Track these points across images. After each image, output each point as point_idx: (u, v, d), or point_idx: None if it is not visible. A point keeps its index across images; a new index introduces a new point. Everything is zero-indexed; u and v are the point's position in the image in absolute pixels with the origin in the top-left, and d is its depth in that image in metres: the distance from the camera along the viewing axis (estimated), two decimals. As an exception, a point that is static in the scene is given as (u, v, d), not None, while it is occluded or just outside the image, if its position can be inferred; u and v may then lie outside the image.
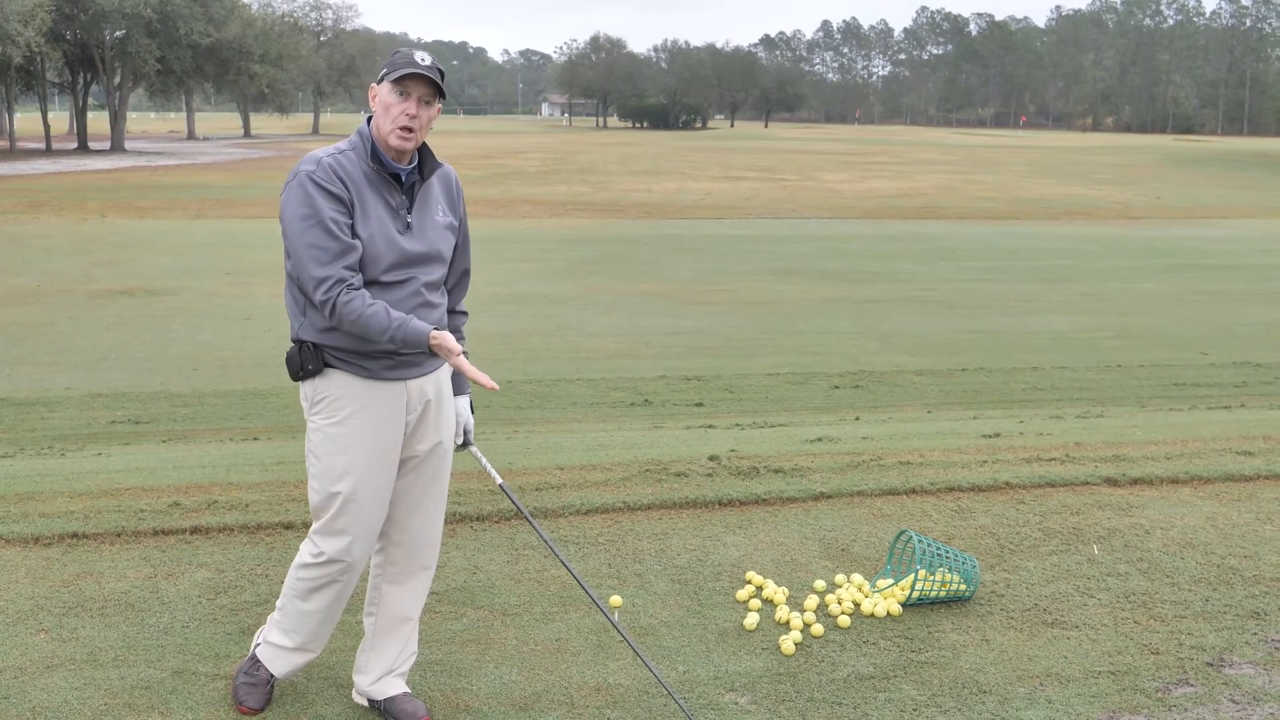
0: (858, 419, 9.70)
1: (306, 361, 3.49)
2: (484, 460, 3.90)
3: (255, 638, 3.91)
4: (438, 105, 3.54)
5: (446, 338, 3.37)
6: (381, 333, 3.34)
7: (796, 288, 20.63)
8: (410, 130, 3.45)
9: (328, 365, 3.51)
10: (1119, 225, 35.66)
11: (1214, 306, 19.03)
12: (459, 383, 3.90)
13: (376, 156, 3.48)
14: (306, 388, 3.56)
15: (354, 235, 3.42)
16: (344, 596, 3.73)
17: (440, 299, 3.69)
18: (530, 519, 3.95)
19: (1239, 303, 19.51)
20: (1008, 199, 43.80)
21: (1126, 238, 31.20)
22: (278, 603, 3.80)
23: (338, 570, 3.63)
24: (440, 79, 3.50)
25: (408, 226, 3.52)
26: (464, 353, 3.50)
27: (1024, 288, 21.07)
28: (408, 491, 3.73)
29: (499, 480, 3.87)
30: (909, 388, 12.40)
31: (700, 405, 11.28)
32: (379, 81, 3.50)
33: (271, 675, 3.79)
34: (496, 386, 3.36)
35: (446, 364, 3.73)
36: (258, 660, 3.82)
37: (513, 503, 3.94)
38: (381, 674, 3.77)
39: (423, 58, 3.47)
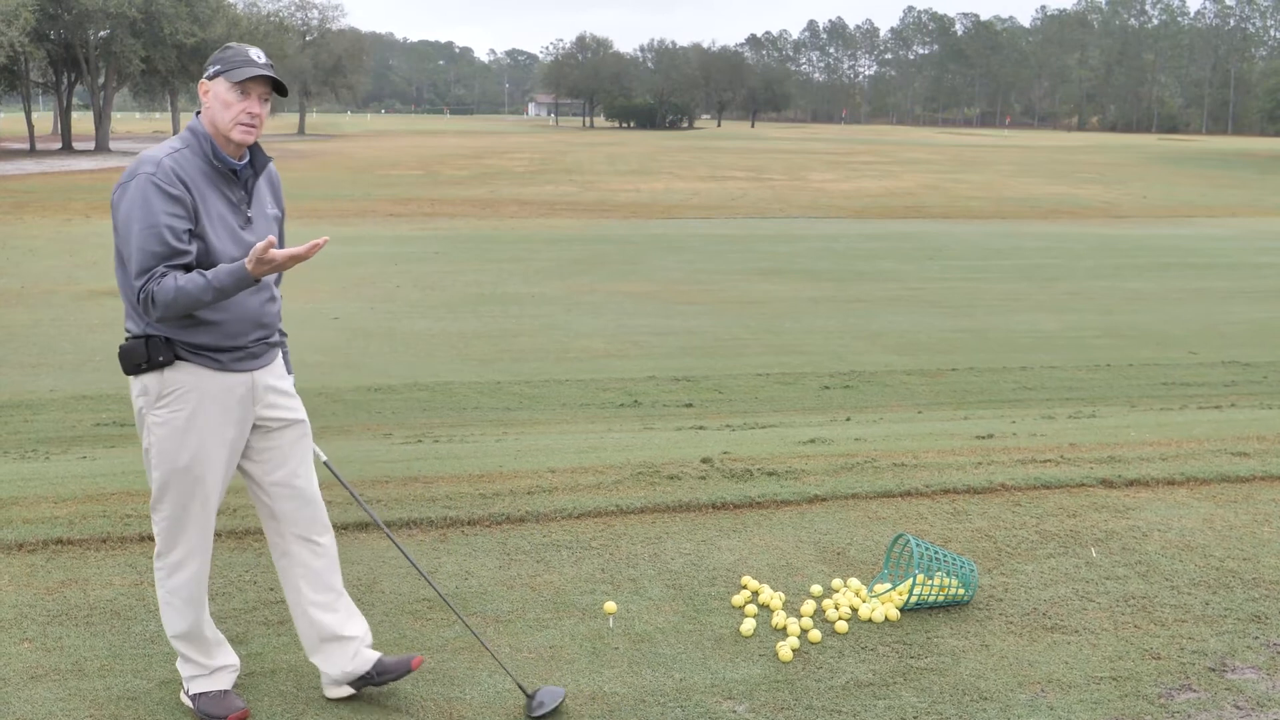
0: (849, 420, 9.65)
1: (156, 354, 3.47)
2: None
3: (185, 698, 3.80)
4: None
5: (258, 250, 3.32)
6: (205, 291, 3.35)
7: (784, 287, 20.60)
8: (253, 126, 3.52)
9: (179, 358, 3.50)
10: (1105, 224, 35.74)
11: (1201, 305, 19.06)
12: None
13: (216, 153, 3.51)
14: (150, 380, 3.52)
15: (194, 238, 3.45)
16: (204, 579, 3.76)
17: (278, 291, 3.77)
18: (357, 496, 4.08)
19: (1225, 301, 19.53)
20: (994, 198, 43.88)
21: (1113, 236, 31.26)
22: (172, 645, 3.78)
23: (188, 550, 3.67)
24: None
25: (248, 221, 3.57)
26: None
27: (1011, 287, 21.08)
28: (274, 455, 3.75)
29: (324, 458, 3.95)
30: (899, 388, 12.36)
31: (690, 406, 11.23)
32: (210, 78, 3.51)
33: (217, 691, 3.74)
34: (327, 238, 3.42)
35: (277, 355, 3.81)
36: (195, 701, 3.74)
37: (341, 482, 4.02)
38: (356, 650, 3.79)
39: (258, 55, 3.52)
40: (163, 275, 3.36)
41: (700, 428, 9.09)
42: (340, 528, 5.34)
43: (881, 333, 16.01)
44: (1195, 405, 10.36)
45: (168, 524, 3.66)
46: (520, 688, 3.81)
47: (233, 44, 3.59)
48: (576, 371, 13.10)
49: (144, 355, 3.49)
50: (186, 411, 3.53)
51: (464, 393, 11.80)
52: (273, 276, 3.66)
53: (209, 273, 3.37)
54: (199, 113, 3.60)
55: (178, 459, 3.55)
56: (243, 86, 3.48)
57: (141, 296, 3.37)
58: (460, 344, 14.77)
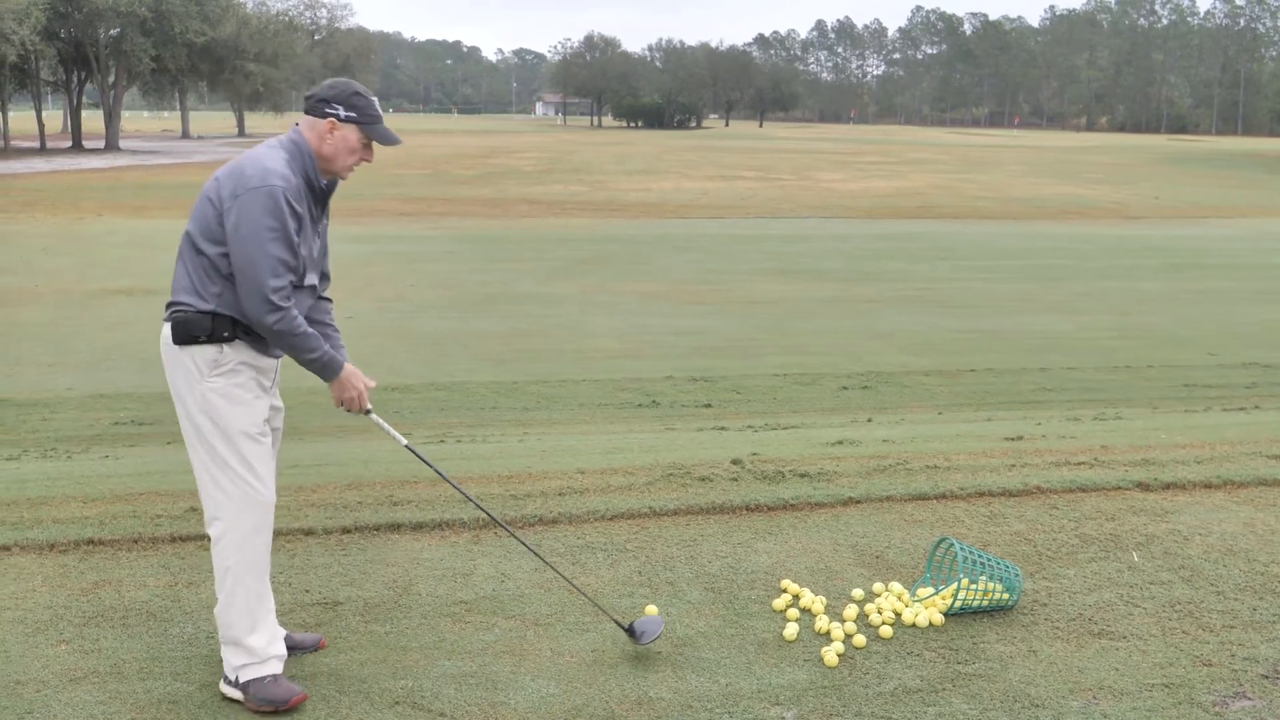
0: (870, 420, 9.60)
1: (221, 329, 3.69)
2: (385, 425, 4.13)
3: (229, 689, 3.82)
4: None
5: (364, 389, 3.95)
6: (310, 351, 3.76)
7: (796, 287, 20.53)
8: None
9: (236, 336, 3.73)
10: (1115, 225, 35.64)
11: (1215, 306, 18.95)
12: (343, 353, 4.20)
13: (315, 173, 3.81)
14: (206, 351, 3.70)
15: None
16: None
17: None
18: (455, 485, 4.30)
19: (1240, 302, 19.43)
20: (1002, 198, 43.78)
21: (1123, 237, 31.16)
22: (223, 633, 3.82)
23: (263, 505, 3.80)
24: None
25: (317, 235, 3.90)
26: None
27: (1022, 287, 20.98)
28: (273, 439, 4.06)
29: (403, 441, 4.15)
30: (917, 389, 12.30)
31: (709, 406, 11.18)
32: (343, 120, 3.78)
33: (270, 677, 3.78)
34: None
35: None
36: (248, 689, 3.77)
37: (425, 463, 4.20)
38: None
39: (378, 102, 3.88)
40: (293, 305, 3.69)
41: (722, 428, 9.04)
42: (372, 529, 5.33)
43: (896, 333, 15.93)
44: (1219, 407, 10.29)
45: (233, 489, 3.75)
46: (617, 623, 4.11)
47: (359, 88, 3.81)
48: (592, 371, 13.05)
49: (208, 329, 3.68)
50: (242, 379, 3.76)
51: (481, 392, 11.76)
52: (317, 277, 3.95)
53: (324, 344, 3.80)
54: (297, 124, 3.81)
55: (238, 420, 3.73)
56: (370, 142, 3.84)
57: (278, 304, 3.63)
58: (475, 344, 14.72)
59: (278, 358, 3.93)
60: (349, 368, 3.91)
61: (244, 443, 3.76)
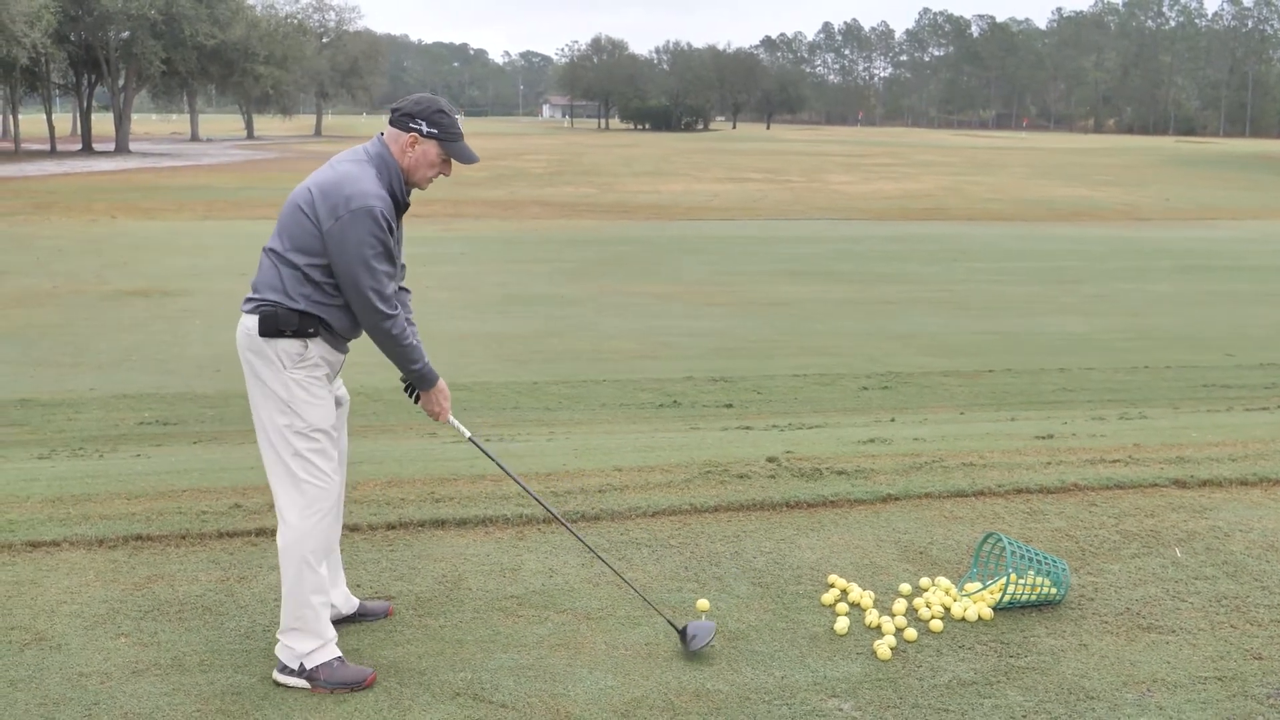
0: (893, 420, 9.63)
1: (306, 326, 3.87)
2: (458, 423, 4.28)
3: (288, 678, 3.91)
4: None
5: (447, 406, 4.18)
6: (413, 361, 4.00)
7: (809, 289, 20.57)
8: None
9: (317, 333, 3.92)
10: (1126, 226, 35.62)
11: (1228, 307, 18.97)
12: None
13: (403, 188, 3.98)
14: (291, 344, 3.88)
15: None
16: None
17: None
18: (504, 467, 4.43)
19: (1254, 304, 19.45)
20: (1012, 200, 43.77)
21: (1134, 239, 31.15)
22: (289, 619, 3.93)
23: (334, 495, 4.01)
24: None
25: (398, 241, 4.03)
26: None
27: (1036, 289, 21.00)
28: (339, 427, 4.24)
29: (467, 434, 4.30)
30: (937, 389, 12.33)
31: (730, 406, 11.21)
32: (425, 136, 3.94)
33: (336, 660, 3.91)
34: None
35: None
36: (318, 675, 3.88)
37: (488, 456, 4.35)
38: (344, 593, 4.32)
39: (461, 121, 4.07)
40: (400, 312, 3.92)
41: (747, 428, 9.07)
42: (417, 525, 5.37)
43: (912, 334, 15.97)
44: (1241, 407, 10.31)
45: (306, 479, 3.91)
46: (670, 623, 4.20)
47: (443, 106, 3.98)
48: (611, 372, 13.09)
49: (295, 324, 3.87)
50: (319, 374, 3.96)
51: (502, 393, 11.80)
52: (401, 275, 4.13)
53: (427, 358, 4.04)
54: (381, 135, 4.00)
55: (315, 415, 3.91)
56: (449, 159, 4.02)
57: (383, 309, 3.85)
58: (494, 344, 14.77)
59: (346, 352, 4.09)
60: (441, 382, 4.12)
61: (319, 435, 3.95)
